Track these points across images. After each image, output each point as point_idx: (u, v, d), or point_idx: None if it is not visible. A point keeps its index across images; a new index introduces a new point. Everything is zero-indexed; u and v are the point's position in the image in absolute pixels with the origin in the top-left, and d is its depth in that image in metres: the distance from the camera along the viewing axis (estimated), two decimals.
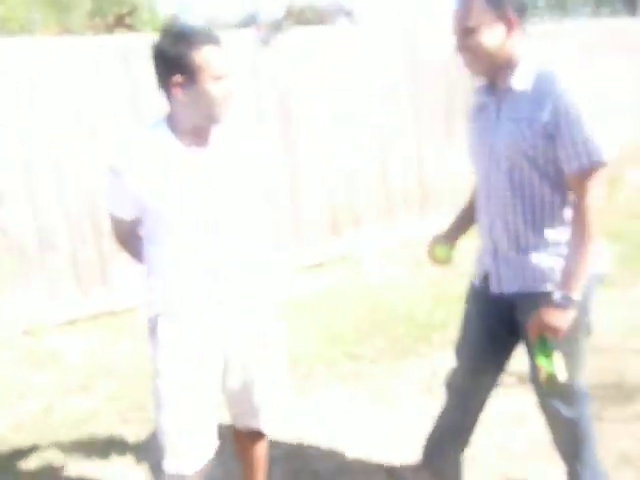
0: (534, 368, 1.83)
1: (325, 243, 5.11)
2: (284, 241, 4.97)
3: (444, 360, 3.28)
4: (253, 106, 4.69)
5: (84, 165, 4.12)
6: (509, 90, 1.74)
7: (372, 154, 5.26)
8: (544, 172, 1.72)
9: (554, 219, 1.76)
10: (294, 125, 4.87)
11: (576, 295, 1.67)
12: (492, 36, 1.68)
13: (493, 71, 1.76)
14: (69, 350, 3.79)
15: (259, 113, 4.71)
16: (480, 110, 1.88)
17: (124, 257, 4.23)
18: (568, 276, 1.68)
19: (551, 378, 1.72)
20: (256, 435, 2.00)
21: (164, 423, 1.76)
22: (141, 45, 4.22)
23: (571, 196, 1.74)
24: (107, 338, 3.96)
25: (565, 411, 1.90)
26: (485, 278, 1.93)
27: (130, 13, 7.54)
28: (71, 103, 4.06)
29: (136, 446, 2.73)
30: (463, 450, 2.20)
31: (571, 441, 1.97)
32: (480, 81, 1.89)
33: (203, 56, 1.58)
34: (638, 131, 6.51)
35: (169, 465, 1.77)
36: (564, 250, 1.73)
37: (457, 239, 2.13)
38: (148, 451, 2.67)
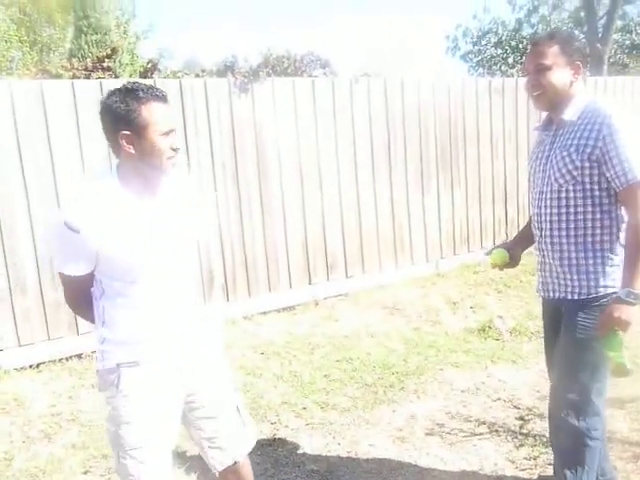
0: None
1: (298, 288, 5.10)
2: (258, 286, 4.96)
3: (418, 407, 3.28)
4: (229, 152, 4.74)
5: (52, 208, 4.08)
6: (561, 122, 2.07)
7: (347, 202, 5.33)
8: (589, 193, 2.01)
9: (595, 235, 2.04)
10: (270, 172, 4.92)
11: (638, 291, 1.91)
12: (561, 76, 2.03)
13: (555, 107, 2.08)
14: (33, 395, 3.66)
15: (236, 159, 4.76)
16: (538, 145, 2.24)
17: None
18: (630, 275, 1.92)
19: (620, 367, 1.95)
20: (239, 465, 2.04)
21: (132, 468, 1.79)
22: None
23: (615, 213, 2.02)
24: (72, 383, 3.84)
25: (573, 421, 2.07)
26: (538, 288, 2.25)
27: (110, 56, 7.65)
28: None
29: None
30: None
31: (573, 451, 2.10)
32: (539, 119, 2.34)
33: (150, 111, 1.67)
34: None
35: None
36: (605, 263, 2.03)
37: (516, 249, 2.40)
38: None
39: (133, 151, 1.69)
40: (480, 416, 3.15)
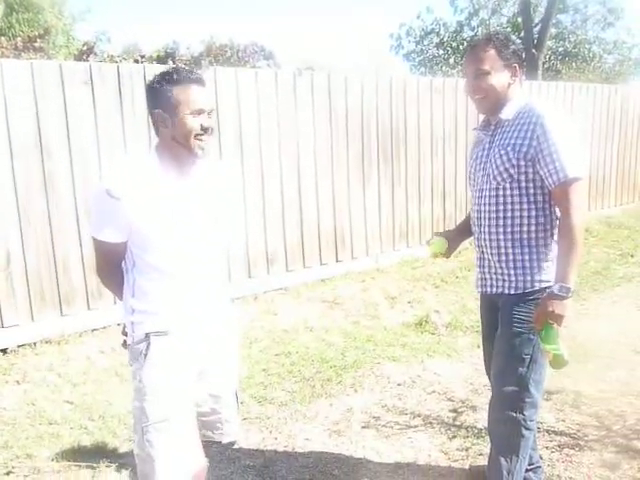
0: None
1: (238, 282, 5.04)
2: None
3: (354, 400, 3.30)
4: None
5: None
6: (499, 121, 2.14)
7: (289, 197, 5.30)
8: (524, 190, 2.09)
9: (530, 232, 2.11)
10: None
11: (572, 286, 1.98)
12: (500, 80, 2.09)
13: (495, 109, 2.14)
14: None
15: None
16: (476, 145, 2.31)
17: (18, 293, 3.97)
18: (564, 270, 1.99)
19: (558, 359, 2.03)
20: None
21: (159, 442, 1.80)
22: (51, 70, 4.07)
23: (549, 210, 2.10)
24: None
25: (511, 412, 2.14)
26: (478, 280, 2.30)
27: (42, 36, 7.28)
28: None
29: None
30: None
31: (509, 441, 2.17)
32: (477, 120, 2.37)
33: (182, 92, 1.76)
34: None
35: None
36: (540, 259, 2.11)
37: (456, 240, 2.47)
38: None
39: (165, 129, 1.79)
40: (415, 409, 3.21)
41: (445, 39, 19.08)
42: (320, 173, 5.51)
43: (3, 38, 6.80)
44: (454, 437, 2.89)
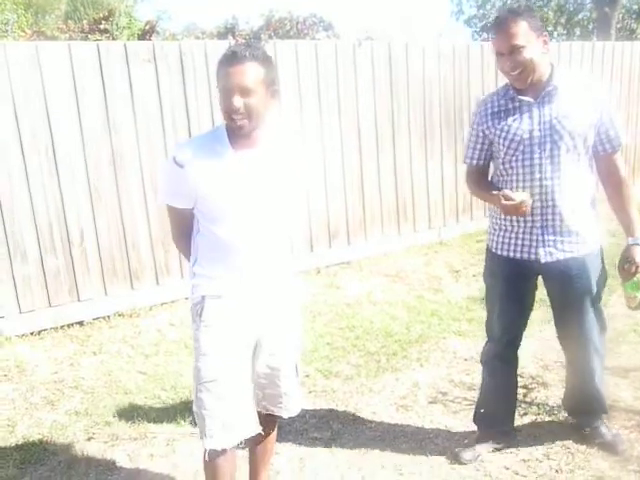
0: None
1: (300, 255, 5.06)
2: None
3: (421, 375, 3.27)
4: None
5: (49, 173, 4.01)
6: (552, 89, 2.14)
7: (351, 169, 5.25)
8: (586, 155, 2.20)
9: (591, 191, 2.25)
10: None
11: None
12: (536, 51, 2.10)
13: (532, 81, 2.14)
14: (35, 362, 3.66)
15: None
16: (507, 113, 2.24)
17: (92, 268, 4.13)
18: (635, 223, 2.25)
19: None
20: (270, 419, 2.15)
21: (207, 401, 1.88)
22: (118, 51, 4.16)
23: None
24: (74, 350, 3.83)
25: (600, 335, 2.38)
26: (522, 252, 2.30)
27: (106, 18, 7.44)
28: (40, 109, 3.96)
29: (102, 463, 2.63)
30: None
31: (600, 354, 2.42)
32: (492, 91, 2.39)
33: (224, 72, 1.78)
34: None
35: (210, 441, 1.88)
36: (595, 218, 2.28)
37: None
38: (113, 470, 2.57)
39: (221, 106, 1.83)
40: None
41: (508, 2, 18.24)
42: (381, 145, 5.42)
43: (70, 21, 7.00)
44: (525, 414, 2.82)
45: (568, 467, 2.41)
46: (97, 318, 4.22)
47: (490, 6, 18.72)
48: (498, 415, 2.56)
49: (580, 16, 17.91)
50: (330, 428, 2.83)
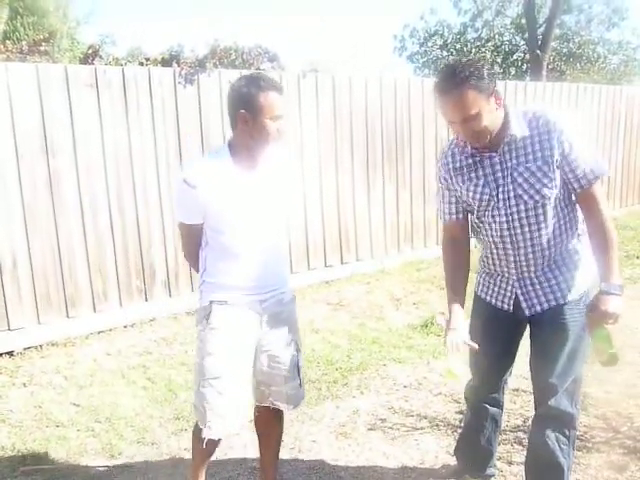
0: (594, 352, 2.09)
1: None
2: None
3: (361, 402, 3.30)
4: (173, 140, 4.63)
5: None
6: (510, 140, 2.00)
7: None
8: (560, 200, 2.04)
9: (571, 236, 2.10)
10: None
11: (620, 283, 1.98)
12: (490, 113, 1.93)
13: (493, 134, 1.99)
14: None
15: (180, 149, 4.65)
16: (469, 169, 2.11)
17: (25, 295, 3.98)
18: (610, 269, 1.98)
19: (612, 357, 2.03)
20: (277, 413, 2.35)
21: (209, 396, 2.09)
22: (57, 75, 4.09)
23: (575, 212, 2.10)
24: (2, 382, 3.65)
25: (569, 409, 2.14)
26: (500, 301, 2.20)
27: (47, 40, 7.29)
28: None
29: None
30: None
31: (565, 435, 2.18)
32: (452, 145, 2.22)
33: (266, 98, 1.97)
34: None
35: (209, 432, 2.11)
36: (580, 260, 2.11)
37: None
38: None
39: (246, 128, 2.00)
40: (422, 410, 3.20)
41: (449, 41, 19.07)
42: (324, 175, 5.52)
43: (8, 42, 6.83)
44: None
45: None
46: (29, 348, 4.05)
47: (432, 43, 19.49)
48: (478, 454, 2.50)
49: (515, 57, 18.89)
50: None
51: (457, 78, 1.87)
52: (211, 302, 2.12)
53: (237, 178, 2.06)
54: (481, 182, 2.08)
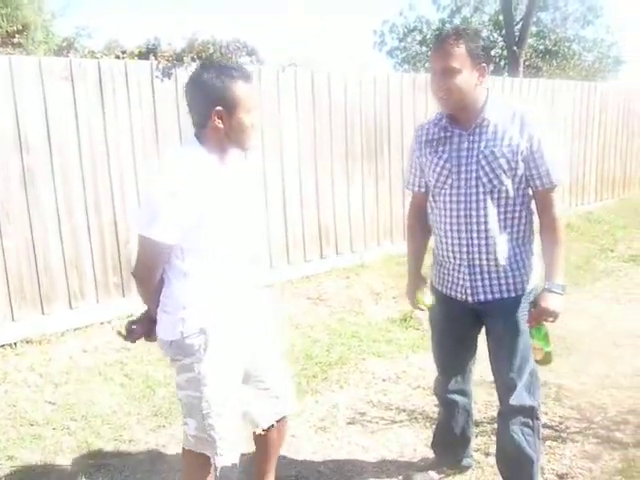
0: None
1: None
2: None
3: (340, 396, 3.31)
4: (150, 134, 4.57)
5: None
6: (482, 121, 2.04)
7: (273, 193, 5.28)
8: (519, 192, 2.06)
9: (525, 231, 2.12)
10: None
11: (564, 282, 2.05)
12: (468, 80, 1.99)
13: (461, 109, 2.05)
14: None
15: (158, 143, 4.60)
16: (438, 142, 2.15)
17: None
18: (555, 268, 2.06)
19: (548, 356, 2.09)
20: (282, 423, 2.29)
21: (217, 425, 1.95)
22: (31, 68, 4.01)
23: (531, 208, 2.12)
24: None
25: (529, 401, 2.19)
26: (453, 290, 2.23)
27: (21, 31, 7.16)
28: None
29: None
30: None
31: (529, 427, 2.23)
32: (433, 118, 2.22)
33: (241, 90, 1.80)
34: None
35: (221, 459, 1.98)
36: (530, 258, 2.14)
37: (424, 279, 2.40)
38: None
39: (221, 126, 1.81)
40: (400, 404, 3.22)
41: (428, 36, 19.14)
42: (304, 170, 5.50)
43: None
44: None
45: None
46: (2, 345, 3.98)
47: (411, 39, 19.55)
48: (453, 445, 2.54)
49: (492, 53, 19.05)
50: (247, 453, 2.79)
51: (455, 32, 1.99)
52: (202, 328, 1.89)
53: (219, 180, 1.86)
54: (445, 156, 2.12)
